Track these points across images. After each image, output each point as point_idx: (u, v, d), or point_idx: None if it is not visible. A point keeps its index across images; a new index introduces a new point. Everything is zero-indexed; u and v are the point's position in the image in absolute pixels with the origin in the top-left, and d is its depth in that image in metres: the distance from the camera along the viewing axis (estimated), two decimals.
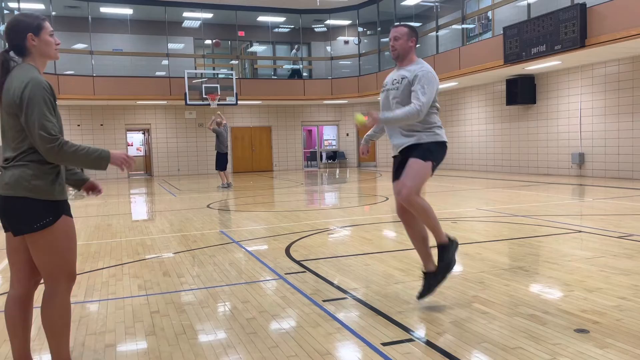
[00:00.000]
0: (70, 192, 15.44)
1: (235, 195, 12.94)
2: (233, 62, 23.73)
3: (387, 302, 3.87)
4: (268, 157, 23.71)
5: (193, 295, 4.29)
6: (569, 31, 11.94)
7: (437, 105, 3.77)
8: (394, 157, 3.90)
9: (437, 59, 17.16)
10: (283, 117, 23.78)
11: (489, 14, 17.21)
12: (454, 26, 18.55)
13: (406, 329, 3.33)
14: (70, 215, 2.64)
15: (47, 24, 2.63)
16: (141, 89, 19.44)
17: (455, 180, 14.85)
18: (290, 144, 23.99)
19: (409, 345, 3.06)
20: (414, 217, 3.79)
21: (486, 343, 3.06)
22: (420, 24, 21.07)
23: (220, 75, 21.62)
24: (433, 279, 3.72)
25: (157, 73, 21.46)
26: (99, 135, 20.90)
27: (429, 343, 3.11)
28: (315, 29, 24.45)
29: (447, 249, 3.73)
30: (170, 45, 21.17)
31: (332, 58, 23.53)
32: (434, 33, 18.39)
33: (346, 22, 23.66)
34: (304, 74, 23.56)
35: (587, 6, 11.70)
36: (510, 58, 13.79)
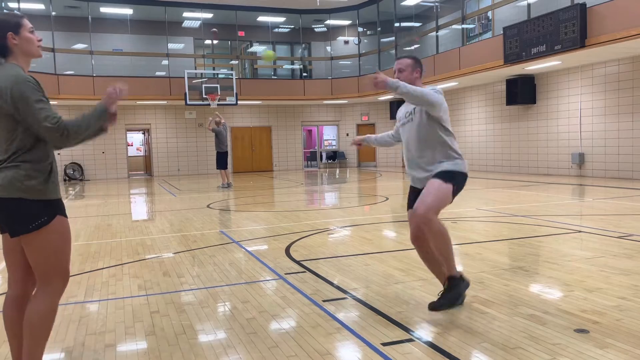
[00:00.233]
0: (70, 192, 15.42)
1: (235, 195, 12.93)
2: (233, 62, 23.74)
3: (387, 302, 3.87)
4: (268, 157, 23.71)
5: (193, 295, 4.29)
6: (569, 31, 11.94)
7: (451, 129, 3.70)
8: (412, 187, 3.81)
9: (437, 59, 17.17)
10: (283, 117, 23.77)
11: (489, 14, 17.20)
12: (454, 26, 18.54)
13: (406, 329, 3.33)
14: (65, 216, 2.64)
15: (26, 21, 2.61)
16: (141, 89, 19.43)
17: None
18: (290, 144, 23.99)
19: (409, 345, 3.06)
20: (429, 245, 3.63)
21: (486, 343, 3.06)
22: (420, 24, 21.08)
23: (220, 75, 21.63)
24: (444, 295, 3.65)
25: (157, 73, 21.45)
26: None
27: (429, 343, 3.10)
28: (315, 29, 24.45)
29: (457, 285, 3.66)
30: (170, 45, 21.17)
31: (332, 58, 23.53)
32: (434, 33, 18.38)
33: (346, 22, 23.66)
34: (304, 74, 23.57)
35: (587, 6, 11.70)
36: (510, 58, 13.80)
